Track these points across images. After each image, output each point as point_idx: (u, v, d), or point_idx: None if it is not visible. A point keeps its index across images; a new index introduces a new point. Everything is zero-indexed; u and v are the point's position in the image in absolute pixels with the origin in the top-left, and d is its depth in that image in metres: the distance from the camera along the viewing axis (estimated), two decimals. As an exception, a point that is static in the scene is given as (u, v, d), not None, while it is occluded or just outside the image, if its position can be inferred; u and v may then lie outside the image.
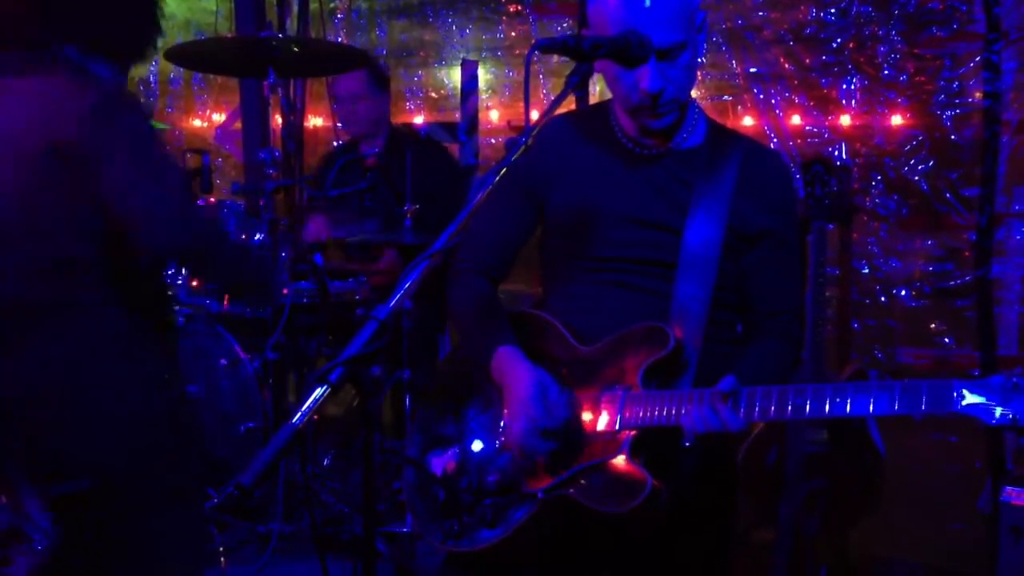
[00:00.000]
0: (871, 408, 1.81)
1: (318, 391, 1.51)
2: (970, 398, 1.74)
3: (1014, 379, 1.71)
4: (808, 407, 1.87)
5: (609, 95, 2.26)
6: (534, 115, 1.86)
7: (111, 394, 2.27)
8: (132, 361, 2.32)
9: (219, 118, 6.33)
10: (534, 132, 1.79)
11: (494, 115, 5.65)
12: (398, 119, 4.91)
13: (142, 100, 6.29)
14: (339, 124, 4.81)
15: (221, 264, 2.48)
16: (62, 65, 2.29)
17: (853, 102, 4.62)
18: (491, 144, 5.42)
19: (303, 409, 1.49)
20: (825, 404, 1.85)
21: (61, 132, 2.20)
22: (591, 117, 2.31)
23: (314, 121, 5.97)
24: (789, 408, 1.88)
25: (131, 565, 2.34)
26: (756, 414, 1.92)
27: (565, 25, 5.37)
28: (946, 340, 4.49)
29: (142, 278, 2.39)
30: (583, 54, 1.90)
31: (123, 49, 2.41)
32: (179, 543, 2.41)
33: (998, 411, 1.71)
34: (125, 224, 2.24)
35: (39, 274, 2.24)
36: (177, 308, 3.97)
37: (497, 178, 1.75)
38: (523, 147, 1.77)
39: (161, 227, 2.27)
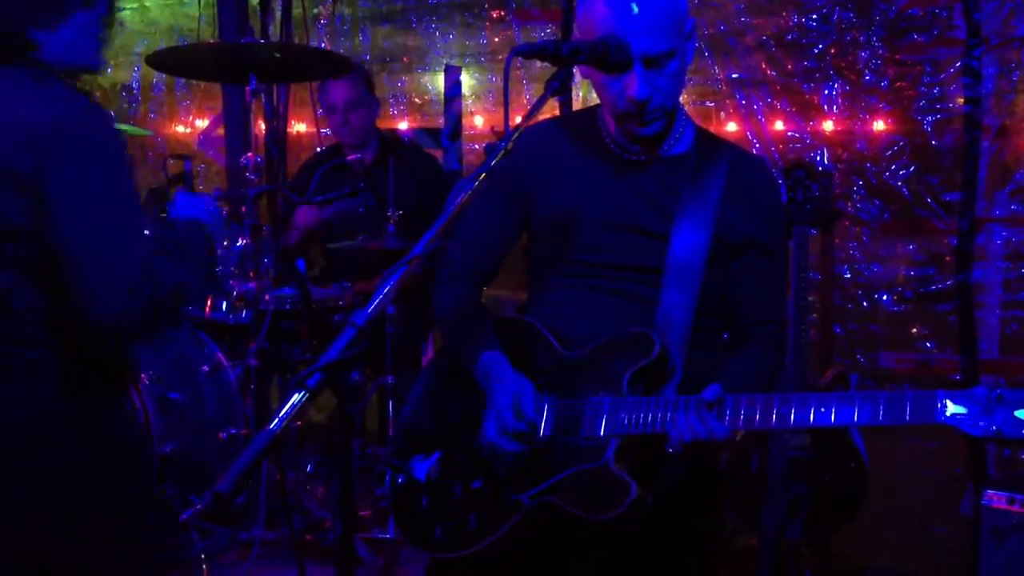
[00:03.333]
0: (855, 418, 1.82)
1: (296, 397, 1.51)
2: (954, 409, 1.74)
3: (997, 391, 1.72)
4: (793, 416, 1.87)
5: (594, 100, 2.26)
6: (518, 120, 1.85)
7: (40, 457, 1.91)
8: (66, 422, 1.93)
9: (202, 124, 6.32)
10: (514, 137, 1.79)
11: (478, 120, 5.65)
12: (381, 125, 4.89)
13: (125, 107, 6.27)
14: (338, 136, 4.68)
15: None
16: (24, 62, 1.94)
17: (835, 108, 4.64)
18: (475, 150, 5.42)
19: (281, 415, 1.49)
20: (810, 413, 1.86)
21: (8, 153, 1.83)
22: (579, 122, 2.31)
23: (297, 127, 5.96)
24: (774, 416, 1.89)
25: None
26: (741, 422, 1.92)
27: (548, 31, 5.37)
28: (928, 344, 4.50)
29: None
30: (562, 59, 1.90)
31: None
32: None
33: (982, 423, 1.72)
34: (66, 288, 1.84)
35: None
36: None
37: (476, 183, 1.75)
38: (502, 152, 1.77)
39: (110, 304, 1.83)
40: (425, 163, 4.76)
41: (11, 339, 1.89)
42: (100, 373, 1.99)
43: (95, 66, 2.06)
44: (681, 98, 2.23)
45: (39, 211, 1.82)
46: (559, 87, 1.90)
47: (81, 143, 1.85)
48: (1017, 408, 1.70)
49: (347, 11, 5.92)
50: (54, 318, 1.89)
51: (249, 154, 3.93)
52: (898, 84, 4.49)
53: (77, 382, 1.93)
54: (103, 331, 1.86)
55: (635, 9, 2.02)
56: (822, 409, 1.85)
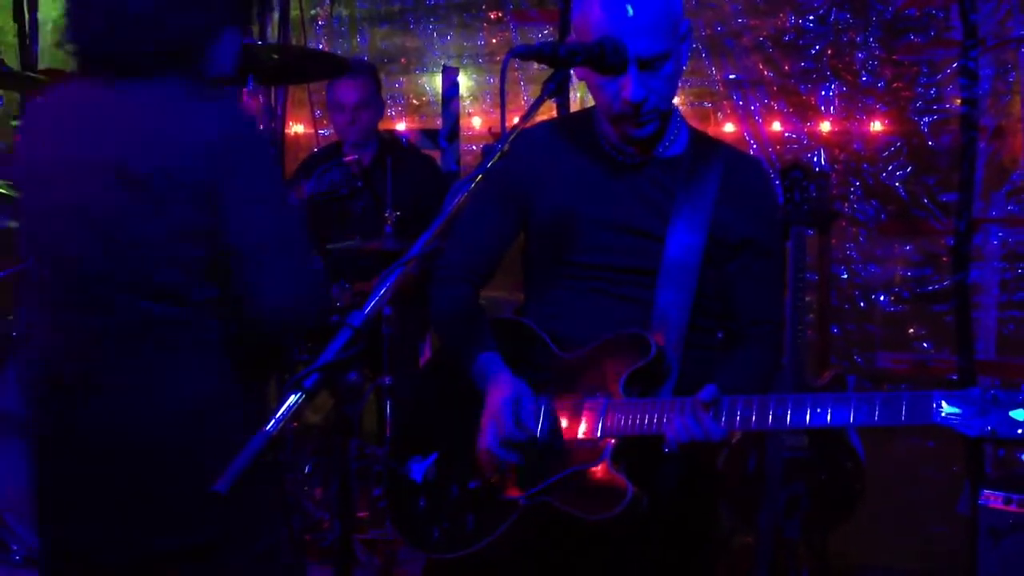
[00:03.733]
0: (851, 419, 1.82)
1: (292, 398, 1.51)
2: (949, 410, 1.75)
3: (992, 391, 1.73)
4: (789, 417, 1.88)
5: (591, 101, 2.27)
6: (515, 121, 1.86)
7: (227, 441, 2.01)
8: (224, 397, 2.08)
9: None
10: (510, 138, 1.79)
11: (476, 121, 5.66)
12: (379, 126, 4.89)
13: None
14: (342, 135, 4.65)
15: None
16: (191, 73, 2.05)
17: (832, 108, 4.65)
18: (472, 151, 5.43)
19: (277, 416, 1.49)
20: (806, 414, 1.86)
21: (177, 159, 1.95)
22: (575, 124, 2.32)
23: (295, 128, 5.96)
24: (770, 417, 1.89)
25: None
26: (738, 423, 1.92)
27: (546, 32, 5.38)
28: (925, 345, 4.51)
29: None
30: (559, 61, 1.90)
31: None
32: None
33: (977, 424, 1.73)
34: (237, 284, 2.00)
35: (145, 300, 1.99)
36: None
37: (473, 185, 1.75)
38: (499, 153, 1.77)
39: (277, 299, 1.99)
40: (423, 164, 4.75)
41: (183, 323, 2.02)
42: (258, 359, 2.16)
43: (232, 75, 2.18)
44: (678, 99, 2.24)
45: (214, 215, 1.97)
46: (556, 89, 1.90)
47: (250, 154, 2.00)
48: (1011, 408, 1.71)
49: (345, 12, 5.92)
50: (223, 308, 2.04)
51: (247, 155, 3.92)
52: (895, 85, 4.51)
53: (237, 364, 2.08)
54: (268, 323, 2.02)
55: (630, 11, 2.03)
56: (818, 410, 1.85)
